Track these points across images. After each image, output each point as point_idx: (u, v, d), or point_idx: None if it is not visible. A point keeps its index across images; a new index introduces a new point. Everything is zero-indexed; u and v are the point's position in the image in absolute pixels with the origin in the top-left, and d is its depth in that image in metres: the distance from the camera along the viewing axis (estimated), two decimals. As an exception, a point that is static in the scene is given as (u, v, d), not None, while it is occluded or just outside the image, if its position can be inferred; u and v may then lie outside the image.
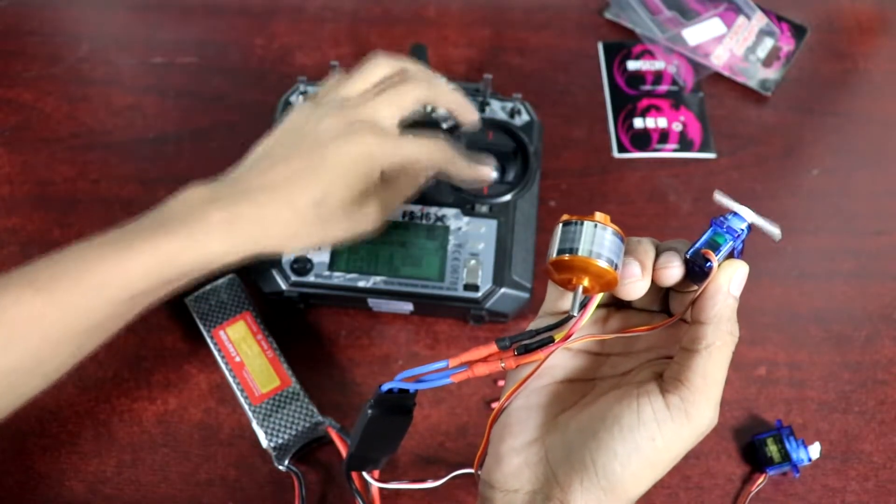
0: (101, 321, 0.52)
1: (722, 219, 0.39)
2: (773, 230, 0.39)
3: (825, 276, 0.68)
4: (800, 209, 0.71)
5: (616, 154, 0.73)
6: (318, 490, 0.59)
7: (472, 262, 0.61)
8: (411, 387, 0.42)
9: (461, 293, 0.61)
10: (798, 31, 0.78)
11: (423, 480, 0.59)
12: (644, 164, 0.72)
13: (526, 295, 0.62)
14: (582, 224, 0.38)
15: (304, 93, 0.67)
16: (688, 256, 0.39)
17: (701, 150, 0.73)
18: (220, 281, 0.63)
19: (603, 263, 0.38)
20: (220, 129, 0.73)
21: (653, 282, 0.39)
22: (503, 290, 0.61)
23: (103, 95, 0.74)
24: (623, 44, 0.78)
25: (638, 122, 0.74)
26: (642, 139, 0.73)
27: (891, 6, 0.81)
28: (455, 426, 0.62)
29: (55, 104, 0.73)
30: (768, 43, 0.77)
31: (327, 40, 0.77)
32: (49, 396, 0.62)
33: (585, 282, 0.39)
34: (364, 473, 0.57)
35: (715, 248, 0.39)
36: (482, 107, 0.66)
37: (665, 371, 0.40)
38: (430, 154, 0.57)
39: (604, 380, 0.42)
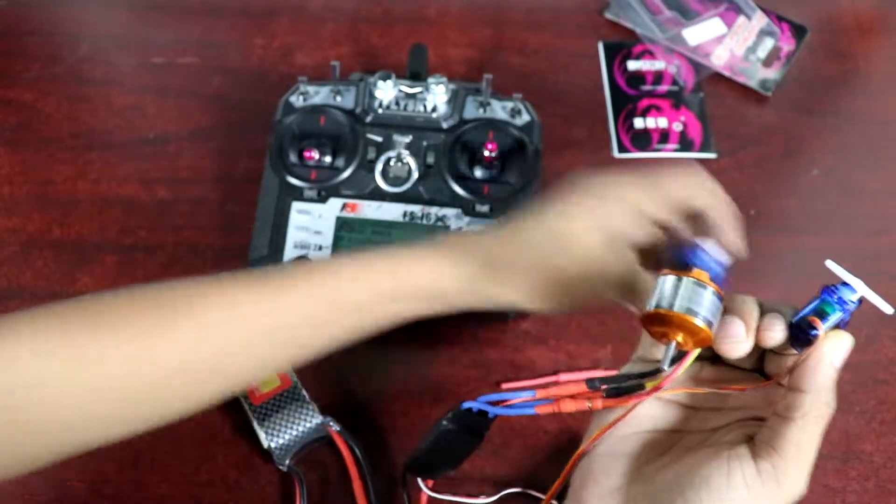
0: (314, 328, 0.48)
1: (833, 288, 0.39)
2: (886, 307, 0.39)
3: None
4: (800, 209, 0.71)
5: (616, 154, 0.73)
6: (318, 490, 0.59)
7: (473, 262, 0.61)
8: (492, 411, 0.43)
9: (461, 293, 0.61)
10: (798, 31, 0.78)
11: (475, 496, 0.58)
12: (644, 164, 0.72)
13: (526, 295, 0.61)
14: (682, 280, 0.39)
15: (304, 93, 0.67)
16: (793, 322, 0.39)
17: (701, 150, 0.73)
18: (221, 281, 0.63)
19: (700, 322, 0.38)
20: (220, 129, 0.73)
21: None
22: (503, 290, 0.61)
23: (103, 95, 0.74)
24: (623, 44, 0.78)
25: (638, 122, 0.74)
26: (643, 139, 0.73)
27: (891, 6, 0.81)
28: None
29: (55, 104, 0.73)
30: (768, 43, 0.77)
31: (327, 40, 0.77)
32: (49, 396, 0.62)
33: (680, 338, 0.39)
34: (419, 479, 0.56)
35: (822, 316, 0.38)
36: (482, 107, 0.66)
37: (757, 435, 0.39)
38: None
39: (692, 433, 0.42)
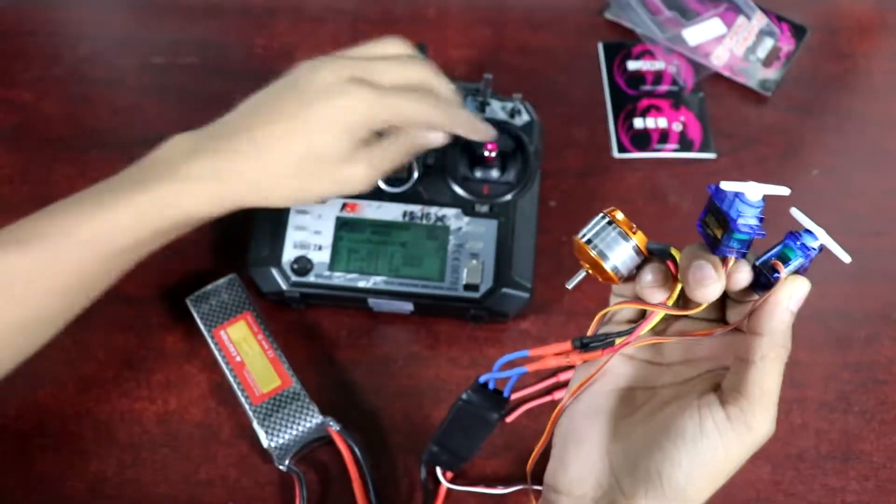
0: (91, 275, 0.53)
1: (797, 234, 0.40)
2: (844, 256, 0.40)
3: (824, 277, 0.68)
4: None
5: (616, 154, 0.73)
6: (318, 490, 0.60)
7: (473, 262, 0.61)
8: (494, 376, 0.47)
9: (461, 293, 0.61)
10: (798, 31, 0.78)
11: (493, 485, 0.59)
12: (644, 164, 0.72)
13: (526, 295, 0.62)
14: (611, 226, 0.42)
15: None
16: (756, 264, 0.40)
17: (701, 150, 0.73)
18: (221, 281, 0.63)
19: (608, 267, 0.41)
20: (220, 129, 0.73)
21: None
22: (503, 290, 0.61)
23: (104, 96, 0.74)
24: (623, 44, 0.78)
25: (638, 122, 0.74)
26: (642, 139, 0.73)
27: (891, 6, 0.81)
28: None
29: (55, 104, 0.73)
30: (768, 43, 0.77)
31: (327, 40, 0.77)
32: (49, 396, 0.62)
33: (589, 270, 0.43)
34: (437, 470, 0.58)
35: (784, 260, 0.40)
36: (482, 106, 0.66)
37: (723, 382, 0.41)
38: (426, 114, 0.56)
39: (665, 388, 0.43)
